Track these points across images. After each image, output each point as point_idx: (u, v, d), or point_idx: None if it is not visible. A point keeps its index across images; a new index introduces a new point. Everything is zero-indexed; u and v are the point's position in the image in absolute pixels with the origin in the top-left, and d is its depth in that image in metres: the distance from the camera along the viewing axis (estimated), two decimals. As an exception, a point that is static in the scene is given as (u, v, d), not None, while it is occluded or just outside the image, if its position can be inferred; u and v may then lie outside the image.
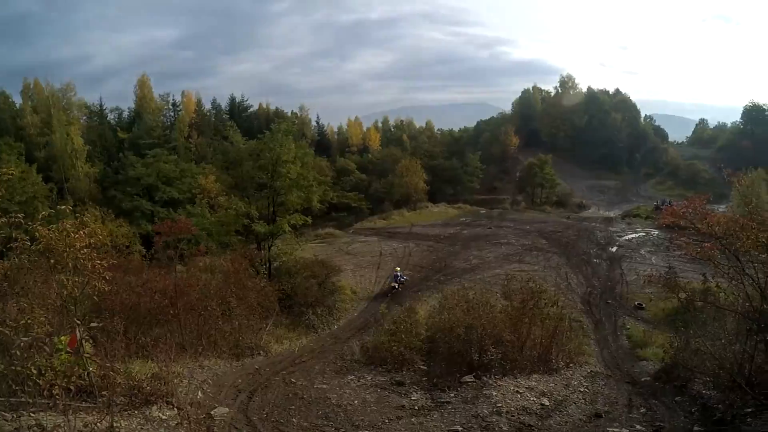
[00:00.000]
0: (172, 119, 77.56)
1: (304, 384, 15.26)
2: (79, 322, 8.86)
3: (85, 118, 70.04)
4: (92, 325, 9.44)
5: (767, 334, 12.73)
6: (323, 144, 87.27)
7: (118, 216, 47.48)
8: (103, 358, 10.30)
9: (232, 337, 18.96)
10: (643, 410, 13.95)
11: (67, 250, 9.72)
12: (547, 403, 13.87)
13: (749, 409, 11.73)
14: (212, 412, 11.49)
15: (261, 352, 19.33)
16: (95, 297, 10.70)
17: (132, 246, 39.27)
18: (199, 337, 17.84)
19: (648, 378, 18.16)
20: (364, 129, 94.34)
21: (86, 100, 71.62)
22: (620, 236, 48.70)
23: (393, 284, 33.25)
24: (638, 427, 12.51)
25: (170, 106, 78.49)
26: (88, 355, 8.82)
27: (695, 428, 12.16)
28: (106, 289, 10.64)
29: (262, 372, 16.23)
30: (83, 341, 8.65)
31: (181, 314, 18.24)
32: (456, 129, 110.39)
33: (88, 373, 8.87)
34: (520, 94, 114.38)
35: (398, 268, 35.60)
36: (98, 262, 10.07)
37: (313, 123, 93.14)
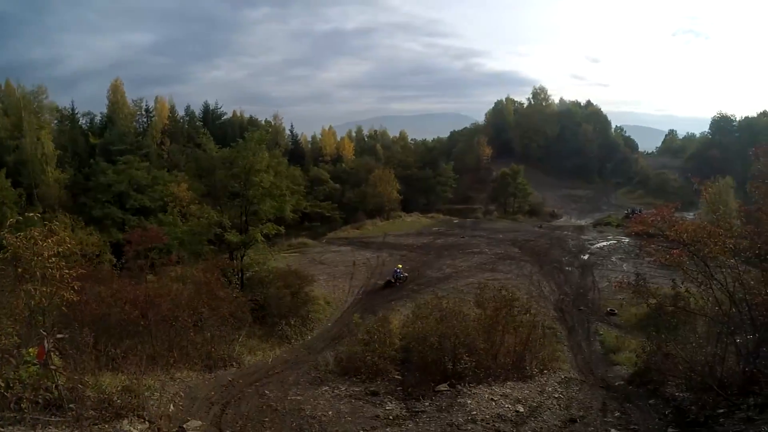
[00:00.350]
0: (145, 125, 76.30)
1: (278, 395, 15.10)
2: (46, 333, 8.68)
3: (56, 122, 68.35)
4: (59, 336, 9.26)
5: (737, 337, 13.04)
6: (297, 153, 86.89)
7: (88, 224, 46.59)
8: (71, 371, 10.08)
9: (205, 348, 18.67)
10: (617, 414, 14.10)
11: (35, 258, 9.55)
12: (522, 410, 13.94)
13: (721, 410, 11.96)
14: (184, 426, 11.30)
15: (234, 363, 19.07)
16: (64, 307, 10.51)
17: (102, 255, 38.40)
18: (170, 349, 17.53)
19: (622, 382, 18.47)
20: (338, 138, 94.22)
21: (58, 104, 70.00)
22: (592, 244, 49.45)
23: (390, 279, 35.06)
24: (613, 430, 12.65)
25: (143, 112, 77.19)
26: (55, 368, 8.65)
27: (669, 430, 12.36)
28: (75, 299, 10.46)
29: (236, 384, 16.00)
30: (51, 353, 8.48)
31: (152, 325, 17.94)
32: (430, 139, 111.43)
33: (57, 386, 8.69)
34: (493, 105, 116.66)
35: (400, 265, 37.38)
36: (67, 271, 9.91)
37: (287, 132, 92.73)
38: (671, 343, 15.09)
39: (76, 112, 73.58)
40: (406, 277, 36.07)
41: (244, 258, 29.36)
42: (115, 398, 10.44)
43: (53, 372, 8.47)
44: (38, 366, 8.43)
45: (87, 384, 10.00)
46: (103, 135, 69.14)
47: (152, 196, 56.49)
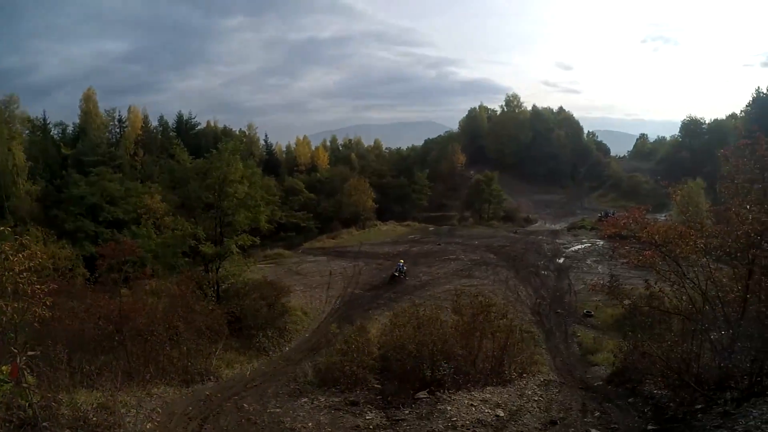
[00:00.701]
0: (118, 136, 75.60)
1: (257, 409, 14.96)
2: (18, 350, 8.52)
3: (27, 132, 67.17)
4: (32, 353, 9.08)
5: (711, 334, 13.29)
6: (271, 163, 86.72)
7: (60, 237, 45.94)
8: (45, 388, 9.91)
9: (181, 362, 18.44)
10: (597, 414, 14.24)
11: (6, 273, 9.36)
12: (502, 414, 13.98)
13: (699, 405, 12.20)
14: (162, 441, 11.16)
15: (211, 377, 18.87)
16: (36, 324, 10.31)
17: (75, 269, 37.90)
18: (146, 364, 17.28)
19: (600, 382, 18.69)
20: (313, 148, 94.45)
21: (29, 114, 68.92)
22: (567, 248, 49.90)
23: (394, 273, 37.25)
24: (593, 430, 12.77)
25: (116, 122, 76.54)
26: (28, 386, 8.49)
27: (649, 427, 12.54)
28: (48, 315, 10.27)
29: (214, 398, 15.81)
30: (24, 371, 8.32)
31: (127, 340, 17.72)
32: (404, 147, 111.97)
33: (31, 405, 8.52)
34: (466, 113, 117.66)
35: (402, 261, 39.88)
36: (39, 286, 9.73)
37: (262, 142, 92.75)
38: (647, 342, 15.28)
39: (48, 122, 72.65)
40: (407, 270, 38.36)
41: (220, 270, 29.02)
42: (91, 416, 10.28)
43: (26, 390, 8.30)
44: (11, 384, 8.25)
45: (61, 402, 9.83)
46: (76, 146, 68.42)
47: (125, 208, 55.82)
